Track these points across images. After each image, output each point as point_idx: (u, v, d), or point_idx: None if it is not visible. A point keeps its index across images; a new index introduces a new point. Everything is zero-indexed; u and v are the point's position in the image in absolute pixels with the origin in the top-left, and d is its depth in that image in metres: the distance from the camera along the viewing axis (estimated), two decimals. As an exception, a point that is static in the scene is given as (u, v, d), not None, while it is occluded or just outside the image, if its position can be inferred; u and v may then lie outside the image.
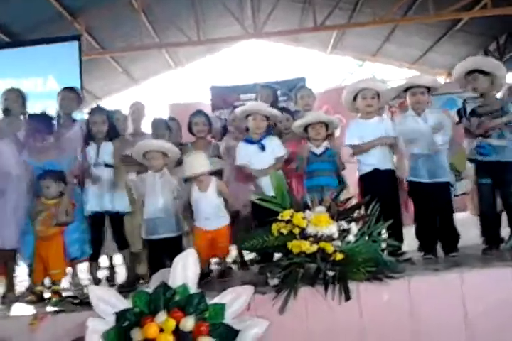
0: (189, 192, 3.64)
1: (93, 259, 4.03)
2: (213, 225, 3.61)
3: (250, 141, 4.04)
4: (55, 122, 3.95)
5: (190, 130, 4.42)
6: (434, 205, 3.79)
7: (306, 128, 3.97)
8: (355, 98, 3.96)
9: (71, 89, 4.52)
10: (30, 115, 3.98)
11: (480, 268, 3.09)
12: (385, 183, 3.80)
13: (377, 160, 3.83)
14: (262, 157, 3.97)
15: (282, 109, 4.47)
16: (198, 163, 3.61)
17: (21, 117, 4.12)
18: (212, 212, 3.61)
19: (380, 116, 4.01)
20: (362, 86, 3.94)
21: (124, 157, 3.99)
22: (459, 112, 4.15)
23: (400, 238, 3.63)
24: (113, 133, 4.04)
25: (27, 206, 3.69)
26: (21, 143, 3.89)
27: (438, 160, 3.84)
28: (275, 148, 4.02)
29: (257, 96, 5.10)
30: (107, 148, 3.95)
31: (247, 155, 3.99)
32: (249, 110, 4.06)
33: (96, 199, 3.84)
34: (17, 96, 4.12)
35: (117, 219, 3.90)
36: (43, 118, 3.93)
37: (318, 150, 3.91)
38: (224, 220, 3.67)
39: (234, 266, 4.25)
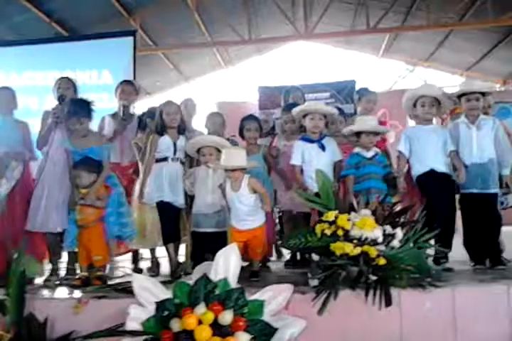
0: (223, 191, 3.58)
1: (169, 242, 4.01)
2: (248, 225, 3.53)
3: (309, 140, 4.01)
4: (93, 108, 4.00)
5: (241, 134, 4.41)
6: (482, 216, 3.71)
7: (357, 133, 3.95)
8: (414, 104, 3.94)
9: (130, 82, 4.66)
10: (70, 99, 4.05)
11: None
12: (441, 185, 3.76)
13: (433, 161, 3.81)
14: (321, 156, 3.95)
15: (339, 110, 4.44)
16: (236, 156, 3.52)
17: None
18: (246, 211, 3.52)
19: (437, 125, 3.97)
20: (421, 93, 3.89)
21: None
22: None
23: (448, 244, 3.57)
24: (183, 126, 4.13)
25: (69, 193, 3.80)
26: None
27: (489, 170, 3.76)
28: (334, 150, 4.02)
29: (285, 98, 5.13)
30: (182, 145, 4.05)
31: (305, 154, 3.97)
32: (307, 110, 4.05)
33: (170, 192, 3.92)
34: (68, 84, 4.28)
35: (178, 211, 3.99)
36: (80, 102, 3.99)
37: (369, 154, 3.88)
38: (259, 220, 3.57)
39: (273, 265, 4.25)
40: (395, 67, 14.41)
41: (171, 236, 3.98)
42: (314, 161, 3.91)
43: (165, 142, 4.02)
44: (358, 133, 3.93)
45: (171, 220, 3.98)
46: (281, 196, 4.35)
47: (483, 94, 3.87)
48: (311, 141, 4.00)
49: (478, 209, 3.73)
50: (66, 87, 4.26)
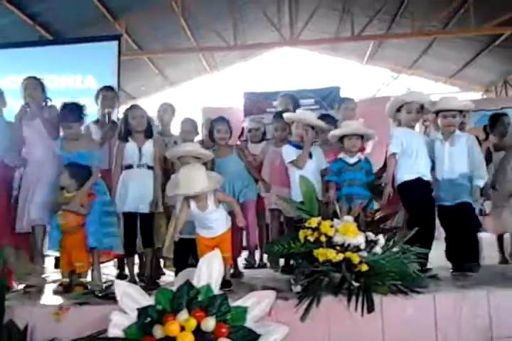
0: (186, 210, 3.34)
1: (129, 255, 4.01)
2: (216, 233, 3.40)
3: (296, 146, 4.04)
4: (85, 112, 3.98)
5: (211, 136, 4.39)
6: (458, 225, 3.77)
7: (341, 138, 3.97)
8: (398, 109, 3.98)
9: (110, 87, 4.62)
10: (64, 104, 4.01)
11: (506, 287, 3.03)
12: (427, 192, 3.83)
13: (424, 168, 3.86)
14: (309, 163, 3.98)
15: (326, 117, 4.52)
16: (196, 179, 3.24)
17: (43, 104, 4.22)
18: (215, 223, 3.39)
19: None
20: (410, 99, 3.93)
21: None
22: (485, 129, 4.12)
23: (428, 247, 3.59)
24: (150, 132, 4.06)
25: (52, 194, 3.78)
26: (55, 129, 4.00)
27: (460, 184, 3.82)
28: (320, 158, 4.06)
29: (278, 104, 5.18)
30: (149, 150, 3.96)
31: (294, 156, 4.00)
32: (292, 118, 4.11)
33: (133, 201, 3.85)
34: (35, 84, 4.20)
35: (148, 218, 3.91)
36: (73, 106, 3.95)
37: (352, 160, 3.90)
38: (225, 225, 3.45)
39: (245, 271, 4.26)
40: (379, 74, 14.54)
41: (130, 249, 3.91)
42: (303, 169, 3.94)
43: (129, 148, 3.96)
44: (342, 138, 3.97)
45: (133, 232, 3.89)
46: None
47: (460, 110, 3.94)
48: (298, 147, 4.02)
49: (453, 220, 3.80)
50: (33, 87, 4.16)
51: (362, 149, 4.15)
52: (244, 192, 4.19)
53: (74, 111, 3.90)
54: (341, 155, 3.96)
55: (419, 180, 3.81)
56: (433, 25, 9.75)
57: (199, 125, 4.79)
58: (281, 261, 3.96)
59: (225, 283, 3.11)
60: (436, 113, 3.97)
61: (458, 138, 3.91)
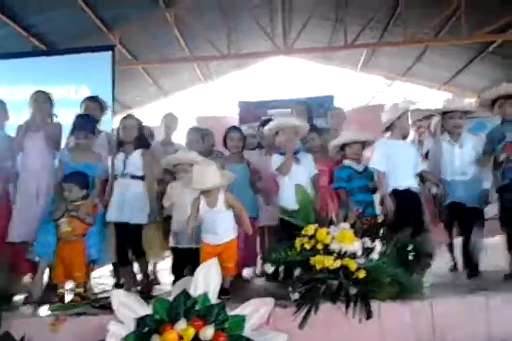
0: (197, 207, 3.37)
1: (122, 265, 4.01)
2: (221, 240, 3.38)
3: (283, 154, 4.00)
4: (97, 126, 4.08)
5: (225, 144, 4.41)
6: (466, 226, 3.82)
7: (342, 146, 4.00)
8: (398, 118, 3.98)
9: (93, 98, 4.62)
10: (78, 115, 4.11)
11: (505, 293, 3.04)
12: (412, 202, 3.82)
13: (408, 178, 3.88)
14: (298, 170, 3.94)
15: (310, 128, 4.45)
16: (209, 175, 3.30)
17: (49, 119, 4.29)
18: (221, 227, 3.38)
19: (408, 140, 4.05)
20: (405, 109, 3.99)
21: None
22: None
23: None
24: (142, 143, 4.05)
25: (48, 203, 3.78)
26: (55, 144, 4.06)
27: (473, 187, 3.86)
28: (310, 165, 4.03)
29: (292, 112, 5.09)
30: (135, 160, 3.94)
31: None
32: (276, 126, 4.05)
33: (117, 211, 3.85)
34: (45, 98, 4.29)
35: (135, 229, 3.88)
36: (89, 118, 4.05)
37: (360, 168, 3.94)
38: (232, 234, 3.43)
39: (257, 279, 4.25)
40: (373, 82, 14.64)
41: (123, 259, 3.91)
42: (291, 175, 3.91)
43: (118, 158, 3.98)
44: (343, 147, 4.01)
45: (123, 242, 3.88)
46: (263, 212, 4.35)
47: (465, 112, 3.98)
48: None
49: (464, 219, 3.84)
50: (43, 101, 4.25)
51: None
52: (245, 207, 3.95)
53: (91, 122, 3.99)
54: (347, 163, 3.99)
55: (395, 191, 3.81)
56: (425, 33, 9.80)
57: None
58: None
59: (223, 292, 3.11)
60: (442, 115, 4.00)
61: (465, 140, 3.95)
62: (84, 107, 4.49)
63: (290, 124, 4.03)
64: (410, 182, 3.87)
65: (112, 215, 3.85)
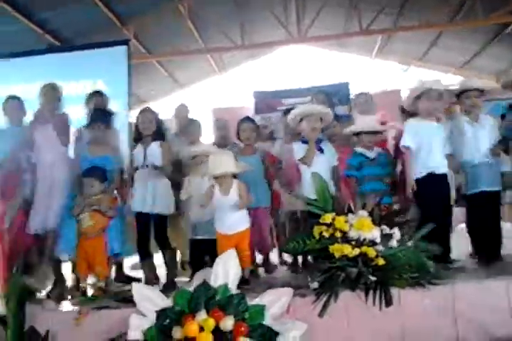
0: (211, 195, 3.46)
1: (143, 257, 4.03)
2: (235, 229, 3.45)
3: (306, 142, 3.96)
4: (113, 118, 4.13)
5: (238, 136, 4.40)
6: (487, 212, 3.74)
7: (357, 133, 3.96)
8: (418, 98, 3.86)
9: (100, 92, 4.74)
10: (95, 109, 4.18)
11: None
12: (441, 186, 3.73)
13: (438, 161, 3.75)
14: (320, 159, 3.91)
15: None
16: (224, 162, 3.43)
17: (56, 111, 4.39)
18: (235, 215, 3.45)
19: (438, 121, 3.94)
20: (427, 86, 3.85)
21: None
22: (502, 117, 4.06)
23: (446, 245, 3.55)
24: (160, 135, 4.09)
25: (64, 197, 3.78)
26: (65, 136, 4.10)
27: (494, 168, 3.79)
28: (332, 153, 3.99)
29: (312, 100, 5.03)
30: (154, 150, 3.98)
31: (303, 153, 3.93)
32: (301, 113, 4.02)
33: (140, 201, 3.88)
34: (53, 91, 4.40)
35: (159, 220, 3.93)
36: (106, 112, 4.14)
37: (372, 155, 3.89)
38: (245, 223, 3.51)
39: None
40: (389, 68, 14.45)
41: (144, 251, 3.95)
42: (313, 164, 3.87)
43: (137, 151, 4.02)
44: (358, 134, 3.96)
45: (145, 234, 3.92)
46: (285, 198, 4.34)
47: (481, 91, 3.89)
48: (307, 143, 3.98)
49: (485, 206, 3.74)
50: (51, 94, 4.38)
51: (383, 143, 4.13)
52: (258, 197, 3.97)
53: (107, 115, 4.06)
54: (359, 150, 3.94)
55: (431, 175, 3.70)
56: (440, 17, 9.65)
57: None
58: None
59: (243, 282, 3.15)
60: (458, 96, 3.92)
61: (485, 120, 3.86)
62: (95, 101, 4.54)
63: (316, 111, 4.00)
64: (439, 165, 3.74)
65: (136, 206, 3.87)
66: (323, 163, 3.92)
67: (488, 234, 3.72)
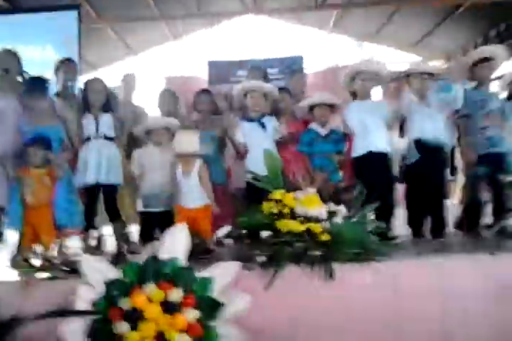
0: (173, 173, 3.58)
1: (87, 229, 4.03)
2: (195, 203, 3.56)
3: (249, 119, 4.02)
4: (48, 86, 3.98)
5: (195, 108, 4.37)
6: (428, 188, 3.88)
7: (311, 108, 4.01)
8: (353, 79, 3.98)
9: (71, 60, 4.55)
10: (30, 77, 4.02)
11: (461, 254, 3.18)
12: (381, 165, 3.87)
13: (377, 140, 3.88)
14: (262, 136, 3.96)
15: (282, 89, 4.44)
16: (189, 142, 3.50)
17: (19, 78, 4.18)
18: (193, 194, 3.56)
19: (375, 99, 4.05)
20: (362, 68, 3.94)
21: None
22: None
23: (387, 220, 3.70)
24: (110, 106, 4.02)
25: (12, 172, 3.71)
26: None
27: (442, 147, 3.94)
28: (273, 129, 4.02)
29: (248, 78, 5.07)
30: (106, 120, 3.92)
31: (245, 133, 3.99)
32: (246, 88, 4.04)
33: (94, 172, 3.82)
34: (12, 56, 4.18)
35: (111, 191, 3.90)
36: (40, 81, 3.96)
37: (324, 131, 3.95)
38: (204, 199, 3.60)
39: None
40: (344, 43, 14.51)
41: (89, 223, 3.94)
42: (255, 141, 3.93)
43: (87, 121, 3.92)
44: (312, 109, 4.01)
45: (93, 205, 3.90)
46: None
47: (431, 74, 4.00)
48: (251, 120, 4.02)
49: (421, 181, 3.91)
50: (8, 59, 4.15)
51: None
52: (213, 174, 3.96)
53: (41, 85, 3.89)
54: (313, 126, 4.00)
55: (370, 154, 3.84)
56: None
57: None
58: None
59: (205, 251, 3.41)
60: (407, 76, 4.03)
61: (432, 98, 3.98)
62: (65, 70, 4.43)
63: (258, 87, 4.02)
64: (378, 144, 3.88)
65: (90, 177, 3.81)
66: (268, 139, 3.97)
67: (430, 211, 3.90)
